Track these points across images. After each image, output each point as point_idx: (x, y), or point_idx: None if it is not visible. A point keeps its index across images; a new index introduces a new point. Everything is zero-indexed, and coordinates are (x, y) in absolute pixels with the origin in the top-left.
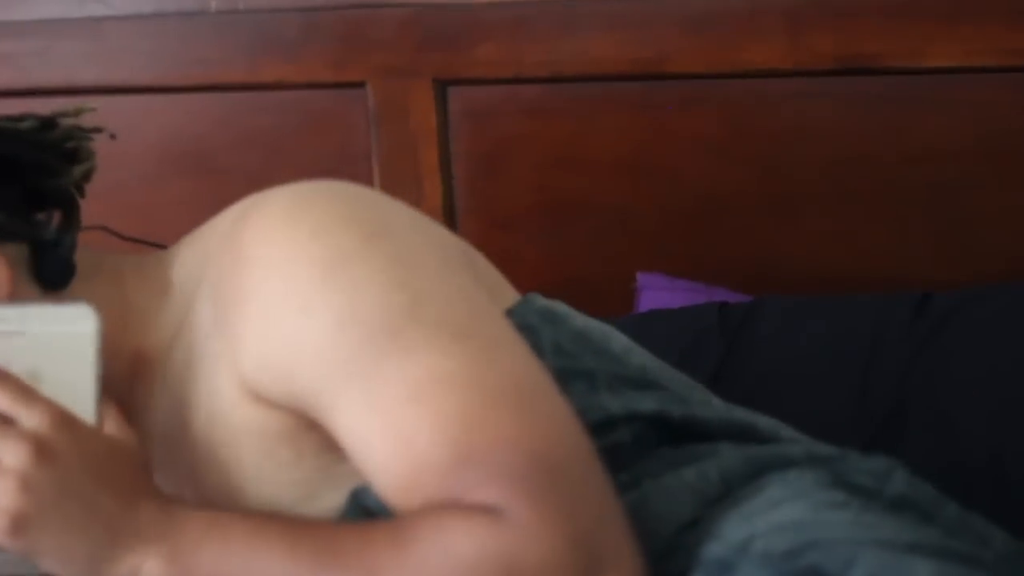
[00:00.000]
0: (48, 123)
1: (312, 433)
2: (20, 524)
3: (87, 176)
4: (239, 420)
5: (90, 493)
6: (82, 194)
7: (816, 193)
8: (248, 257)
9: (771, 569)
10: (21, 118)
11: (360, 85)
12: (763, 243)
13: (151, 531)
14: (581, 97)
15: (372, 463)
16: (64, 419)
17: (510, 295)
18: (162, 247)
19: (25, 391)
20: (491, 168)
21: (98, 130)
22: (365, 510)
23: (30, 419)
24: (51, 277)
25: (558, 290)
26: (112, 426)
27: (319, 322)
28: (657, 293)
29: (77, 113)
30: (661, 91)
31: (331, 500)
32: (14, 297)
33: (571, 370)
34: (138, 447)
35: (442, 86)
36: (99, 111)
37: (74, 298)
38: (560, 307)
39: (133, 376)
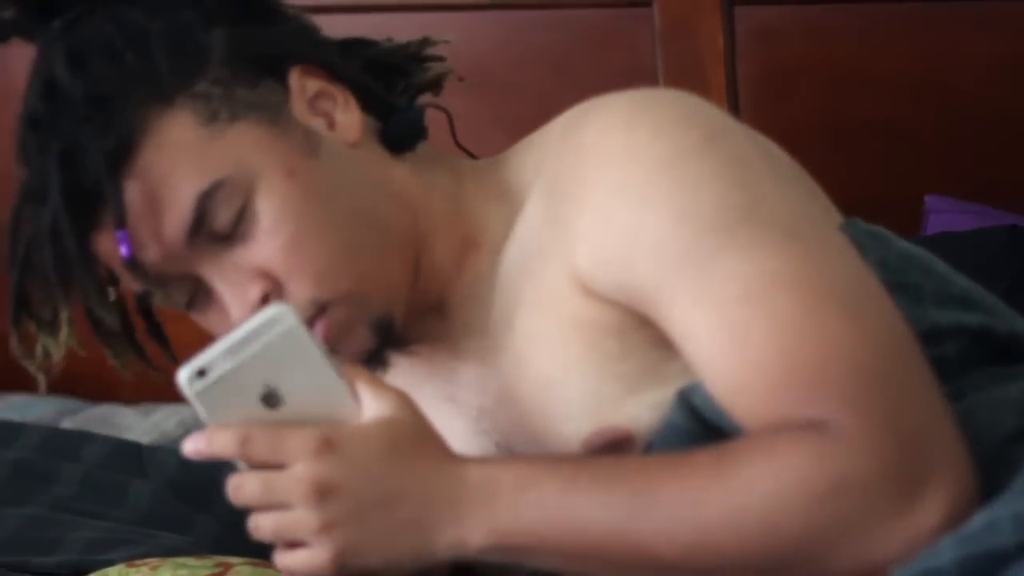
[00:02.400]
0: (405, 44)
1: (642, 329)
2: (342, 562)
3: (438, 82)
4: (568, 313)
5: (386, 499)
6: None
7: None
8: (588, 153)
9: None
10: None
11: (647, 3)
12: None
13: (462, 505)
14: (869, 16)
15: (703, 358)
16: (322, 444)
17: (836, 215)
18: (476, 158)
19: (274, 436)
20: (777, 89)
21: (439, 58)
22: (692, 409)
23: (294, 463)
24: (397, 139)
25: (845, 212)
26: (371, 399)
27: (658, 215)
28: (946, 216)
29: (434, 43)
30: (952, 10)
31: (655, 397)
32: (360, 145)
33: (898, 284)
34: (407, 406)
35: (729, 5)
36: (384, 28)
37: (269, 306)
38: (884, 231)
39: (460, 264)
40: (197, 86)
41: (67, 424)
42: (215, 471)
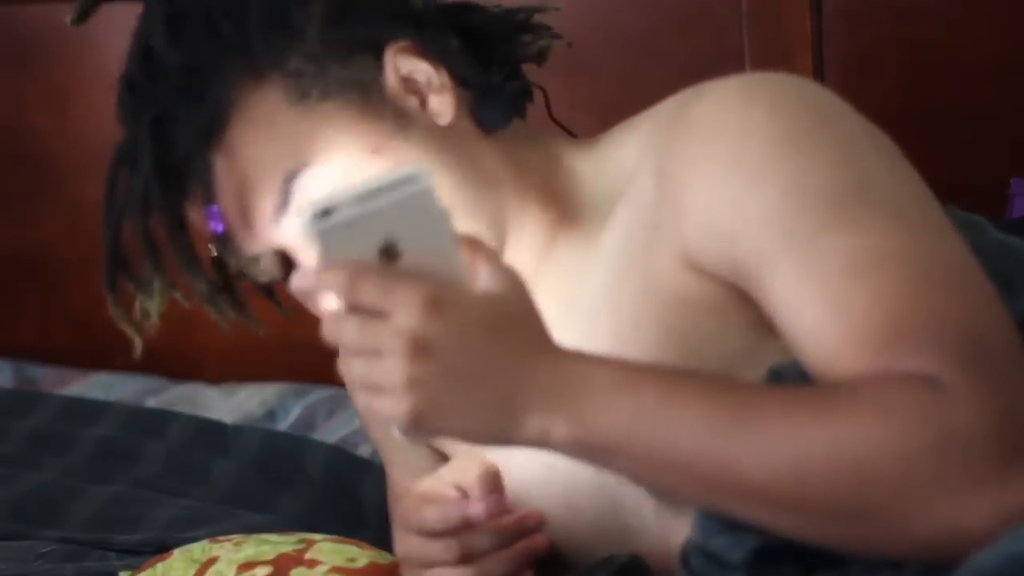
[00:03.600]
0: (513, 11)
1: (742, 309)
2: (418, 421)
3: (542, 54)
4: (671, 289)
5: (478, 372)
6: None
7: None
8: (701, 129)
9: None
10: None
11: None
12: None
13: (555, 393)
14: None
15: (803, 329)
16: (430, 303)
17: (935, 199)
18: (573, 135)
19: (385, 283)
20: (864, 72)
21: (557, 36)
22: None
23: (397, 314)
24: (489, 118)
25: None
26: (487, 274)
27: (767, 189)
28: None
29: (542, 10)
30: None
31: (751, 377)
32: (454, 127)
33: (993, 273)
34: (520, 290)
35: None
36: None
37: (403, 167)
38: (980, 219)
39: (554, 235)
40: (290, 63)
41: (151, 403)
42: (298, 451)
